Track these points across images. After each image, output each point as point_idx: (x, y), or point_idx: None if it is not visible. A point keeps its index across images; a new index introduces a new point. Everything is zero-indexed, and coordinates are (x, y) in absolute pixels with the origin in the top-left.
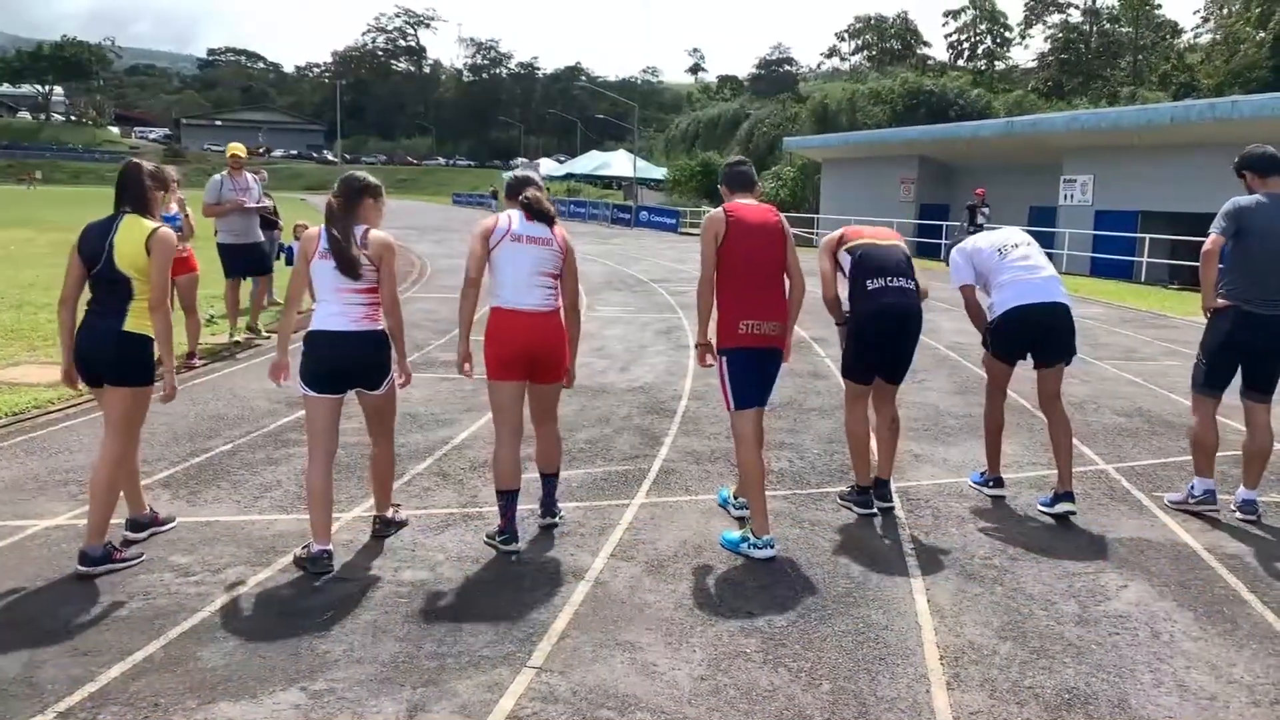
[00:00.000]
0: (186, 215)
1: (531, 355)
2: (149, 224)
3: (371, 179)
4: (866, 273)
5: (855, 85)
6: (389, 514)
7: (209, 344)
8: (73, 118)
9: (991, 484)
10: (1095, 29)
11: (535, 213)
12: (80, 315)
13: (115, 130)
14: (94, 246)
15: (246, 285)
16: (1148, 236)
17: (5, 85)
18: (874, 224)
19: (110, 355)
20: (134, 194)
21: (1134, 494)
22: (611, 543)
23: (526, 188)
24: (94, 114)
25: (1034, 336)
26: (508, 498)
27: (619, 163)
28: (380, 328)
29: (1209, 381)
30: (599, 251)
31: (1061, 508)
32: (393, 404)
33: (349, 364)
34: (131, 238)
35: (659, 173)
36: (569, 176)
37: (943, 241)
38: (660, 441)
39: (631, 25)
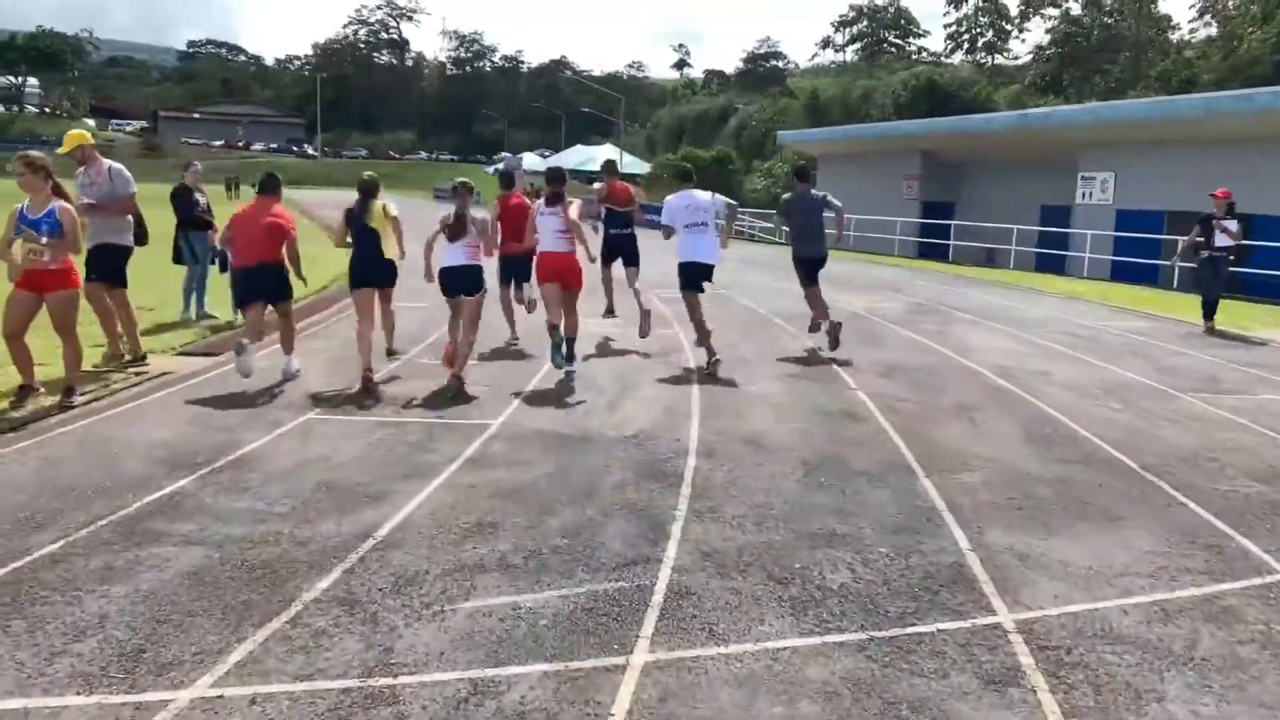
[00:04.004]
0: (72, 217)
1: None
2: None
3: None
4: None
5: (854, 80)
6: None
7: (117, 374)
8: (46, 109)
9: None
10: (1095, 22)
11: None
12: None
13: (91, 123)
14: None
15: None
16: (1180, 239)
17: None
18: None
19: None
20: None
21: None
22: None
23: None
24: (69, 106)
25: (700, 276)
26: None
27: (605, 157)
28: (476, 263)
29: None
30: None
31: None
32: (480, 307)
33: (460, 282)
34: None
35: (647, 168)
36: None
37: (951, 243)
38: (666, 531)
39: (616, 19)
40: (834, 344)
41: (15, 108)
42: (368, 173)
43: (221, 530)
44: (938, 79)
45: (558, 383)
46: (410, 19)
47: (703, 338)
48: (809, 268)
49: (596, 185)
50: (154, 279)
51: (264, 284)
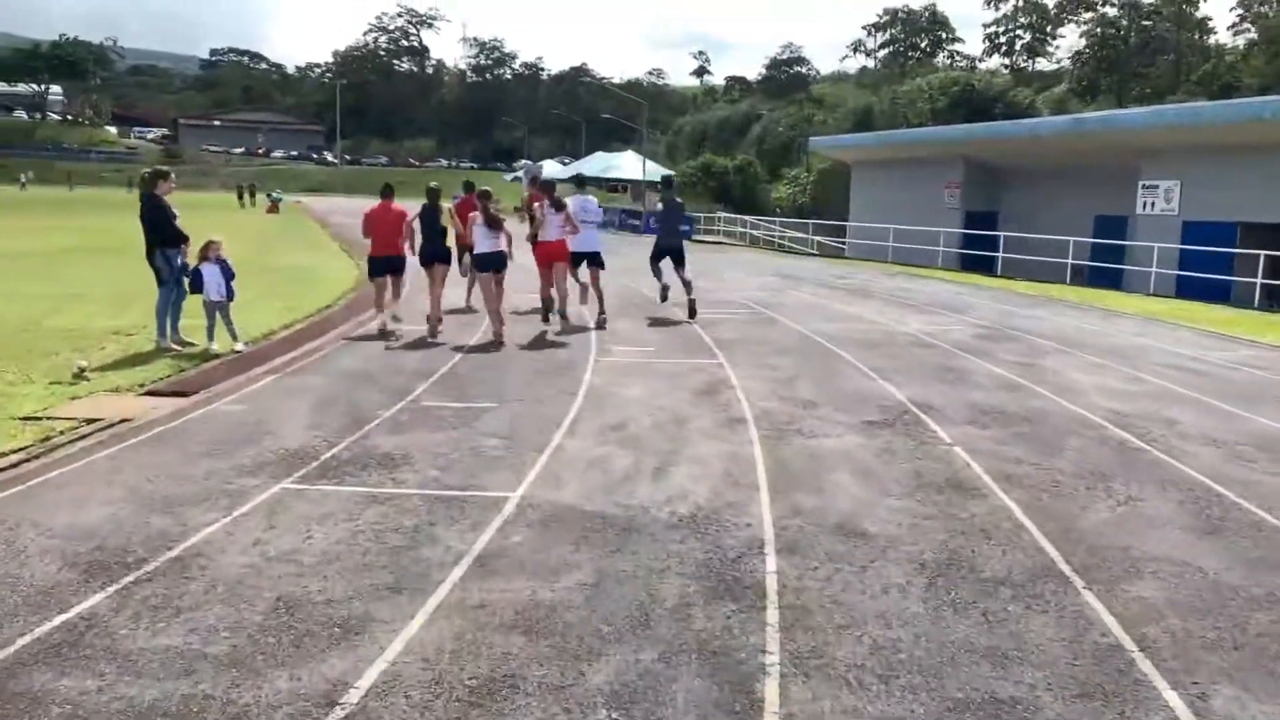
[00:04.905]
0: None
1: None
2: None
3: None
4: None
5: (890, 84)
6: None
7: (66, 417)
8: (69, 117)
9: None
10: (1133, 26)
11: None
12: None
13: (113, 130)
14: None
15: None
16: (1262, 254)
17: (1, 84)
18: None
19: None
20: None
21: None
22: None
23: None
24: (91, 113)
25: (589, 259)
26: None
27: (628, 164)
28: (501, 250)
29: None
30: (607, 265)
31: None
32: (503, 279)
33: (491, 263)
34: None
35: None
36: (575, 179)
37: (999, 255)
38: (757, 698)
39: (633, 27)
40: (691, 314)
41: (38, 115)
42: (433, 182)
43: (127, 690)
44: (976, 83)
45: (589, 435)
46: (430, 26)
47: (589, 299)
48: (671, 255)
49: (525, 194)
50: (136, 300)
51: (392, 266)
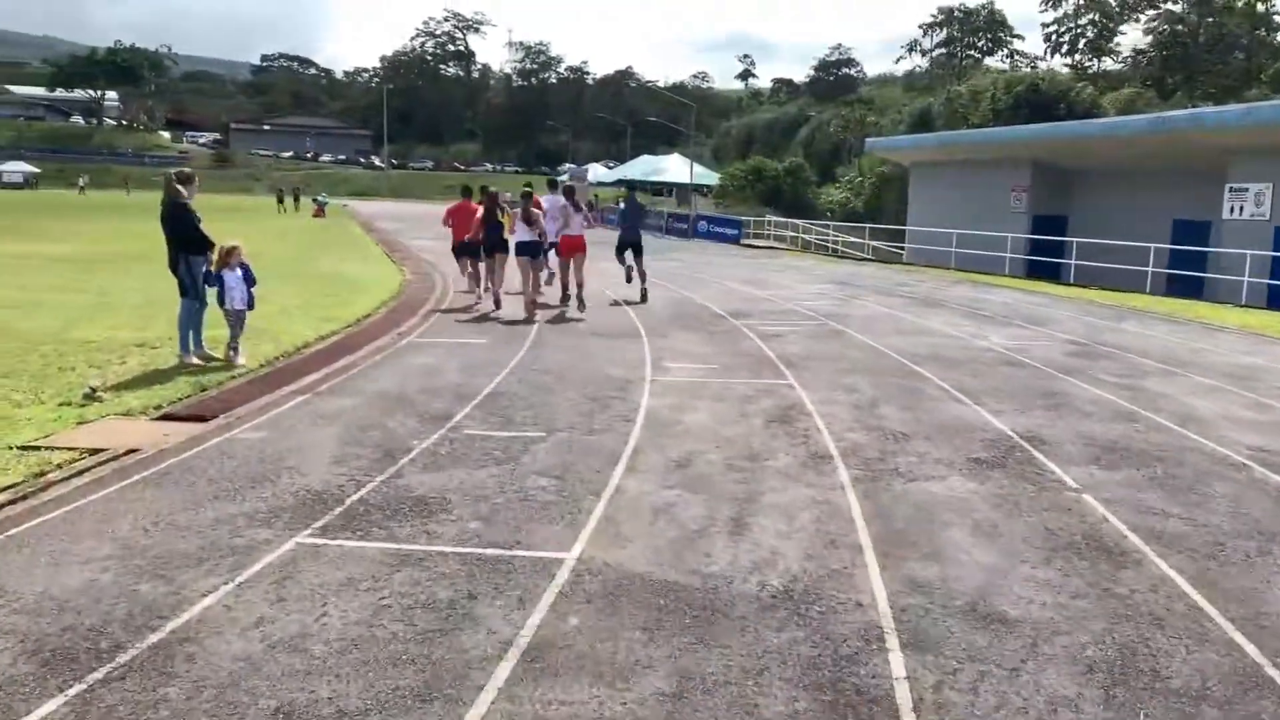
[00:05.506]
0: None
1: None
2: None
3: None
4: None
5: (953, 85)
6: (533, 302)
7: (76, 446)
8: (124, 122)
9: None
10: (1202, 22)
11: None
12: None
13: (166, 135)
14: None
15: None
16: None
17: (59, 90)
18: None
19: None
20: None
21: None
22: None
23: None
24: (145, 119)
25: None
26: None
27: (674, 167)
28: (536, 239)
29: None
30: (655, 270)
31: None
32: (540, 265)
33: (530, 249)
34: None
35: (716, 178)
36: (620, 182)
37: (1072, 262)
38: None
39: (681, 30)
40: (641, 288)
41: (94, 120)
42: (493, 187)
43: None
44: (1041, 82)
45: (651, 473)
46: (476, 30)
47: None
48: (630, 246)
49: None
50: (167, 310)
51: (471, 250)
